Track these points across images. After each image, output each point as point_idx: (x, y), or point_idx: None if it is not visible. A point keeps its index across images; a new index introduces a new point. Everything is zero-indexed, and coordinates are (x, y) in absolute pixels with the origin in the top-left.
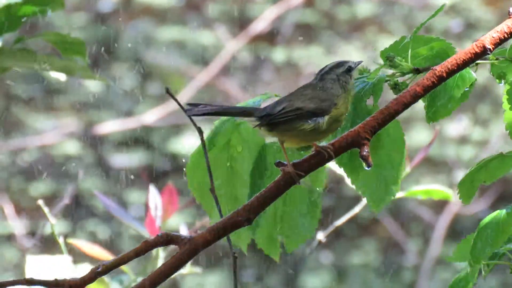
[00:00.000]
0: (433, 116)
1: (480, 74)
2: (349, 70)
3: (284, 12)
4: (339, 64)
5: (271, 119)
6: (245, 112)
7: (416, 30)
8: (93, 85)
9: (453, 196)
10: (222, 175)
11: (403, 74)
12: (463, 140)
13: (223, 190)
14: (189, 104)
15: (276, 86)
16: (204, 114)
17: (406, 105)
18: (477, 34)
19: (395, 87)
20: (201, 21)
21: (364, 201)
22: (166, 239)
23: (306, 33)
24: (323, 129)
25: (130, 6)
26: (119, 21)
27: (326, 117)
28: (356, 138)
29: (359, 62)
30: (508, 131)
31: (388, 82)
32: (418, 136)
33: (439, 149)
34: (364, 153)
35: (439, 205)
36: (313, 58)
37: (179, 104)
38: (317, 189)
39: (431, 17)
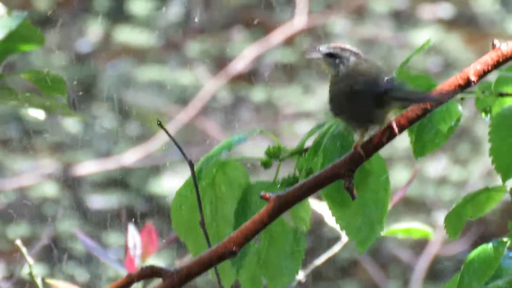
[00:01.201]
0: (420, 151)
1: None
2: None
3: (263, 52)
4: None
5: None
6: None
7: (402, 65)
8: (71, 126)
9: (433, 235)
10: (206, 215)
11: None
12: (442, 180)
13: (208, 230)
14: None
15: (255, 126)
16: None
17: (390, 137)
18: (456, 73)
19: None
20: (181, 60)
21: (343, 241)
22: (151, 271)
23: (285, 72)
24: None
25: (109, 46)
26: (98, 61)
27: None
28: (341, 169)
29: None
30: (494, 165)
31: None
32: (397, 175)
33: (418, 189)
34: (349, 184)
35: (419, 246)
36: (292, 98)
37: (170, 136)
38: (302, 228)
39: (416, 52)
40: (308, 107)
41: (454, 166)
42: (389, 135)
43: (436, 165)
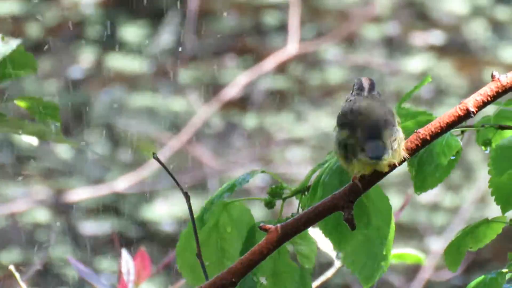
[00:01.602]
0: (421, 185)
1: None
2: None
3: (256, 78)
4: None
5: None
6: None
7: (402, 101)
8: (63, 152)
9: (425, 260)
10: (212, 256)
11: None
12: (434, 206)
13: (214, 271)
14: None
15: (247, 153)
16: None
17: (391, 168)
18: (448, 100)
19: None
20: (173, 87)
21: (336, 266)
22: None
23: (277, 99)
24: None
25: (102, 73)
26: (90, 87)
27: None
28: (340, 201)
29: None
30: (494, 197)
31: None
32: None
33: (411, 215)
34: (348, 215)
35: (411, 271)
36: (284, 124)
37: (165, 168)
38: (307, 267)
39: (417, 87)
40: (300, 133)
41: (447, 192)
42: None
43: (429, 192)
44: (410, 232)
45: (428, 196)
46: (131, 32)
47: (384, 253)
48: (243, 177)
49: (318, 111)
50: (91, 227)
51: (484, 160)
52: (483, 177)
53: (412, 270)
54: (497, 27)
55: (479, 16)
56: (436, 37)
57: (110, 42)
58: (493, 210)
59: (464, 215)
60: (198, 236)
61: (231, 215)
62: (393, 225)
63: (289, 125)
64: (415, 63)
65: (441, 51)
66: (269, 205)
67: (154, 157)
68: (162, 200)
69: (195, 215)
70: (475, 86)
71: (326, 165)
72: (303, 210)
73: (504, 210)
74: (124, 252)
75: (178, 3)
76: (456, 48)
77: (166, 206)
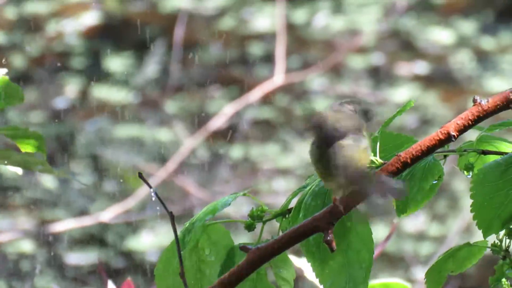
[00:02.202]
0: (403, 209)
1: None
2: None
3: (242, 109)
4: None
5: None
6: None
7: (384, 125)
8: (48, 182)
9: None
10: (190, 278)
11: (371, 168)
12: (420, 235)
13: None
14: None
15: (233, 183)
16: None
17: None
18: (433, 129)
19: None
20: (159, 118)
21: None
22: None
23: (263, 129)
24: None
25: (87, 103)
26: (75, 118)
27: None
28: (320, 222)
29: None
30: (476, 221)
31: None
32: (375, 230)
33: (397, 244)
34: (328, 238)
35: None
36: (270, 155)
37: (150, 186)
38: None
39: (398, 113)
40: (286, 164)
41: (432, 221)
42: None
43: (415, 221)
44: (396, 262)
45: (414, 225)
46: (117, 62)
47: (363, 276)
48: (225, 200)
49: (304, 141)
50: (76, 258)
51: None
52: (468, 206)
53: None
54: (482, 57)
55: (464, 46)
56: (421, 67)
57: (95, 73)
58: (478, 239)
59: (450, 244)
60: (181, 256)
61: (211, 237)
62: (372, 249)
63: (275, 155)
64: (401, 93)
65: (426, 81)
66: (250, 227)
67: (139, 177)
68: (147, 230)
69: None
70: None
71: (308, 187)
72: (283, 233)
73: (485, 234)
74: (110, 283)
75: (164, 33)
76: (442, 78)
77: (151, 236)
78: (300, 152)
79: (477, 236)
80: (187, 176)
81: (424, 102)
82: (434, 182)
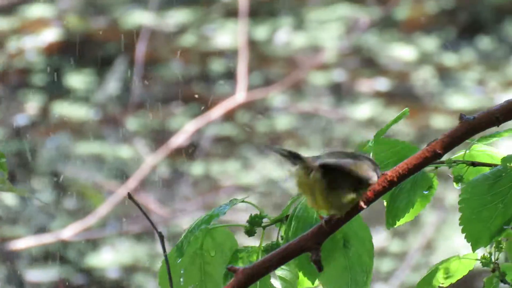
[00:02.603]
0: (392, 221)
1: None
2: None
3: (203, 126)
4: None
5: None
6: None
7: (380, 133)
8: (8, 200)
9: None
10: (195, 279)
11: None
12: (381, 252)
13: None
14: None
15: (195, 201)
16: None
17: (359, 210)
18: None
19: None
20: (120, 135)
21: None
22: None
23: (225, 146)
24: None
25: (47, 120)
26: (36, 135)
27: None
28: (307, 242)
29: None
30: (464, 234)
31: None
32: None
33: None
34: (315, 257)
35: None
36: (230, 172)
37: (139, 207)
38: None
39: (395, 121)
40: (247, 180)
41: (393, 238)
42: (356, 207)
43: (376, 237)
44: None
45: (375, 241)
46: (78, 79)
47: (364, 280)
48: (221, 208)
49: (265, 159)
50: (36, 275)
51: (430, 207)
52: (429, 223)
53: None
54: (444, 73)
55: (426, 62)
56: (383, 83)
57: (56, 89)
58: (439, 256)
59: (411, 261)
60: (171, 274)
61: (215, 239)
62: (372, 254)
63: (236, 172)
64: (362, 110)
65: (388, 97)
66: (249, 233)
67: (129, 197)
68: (108, 248)
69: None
70: (423, 132)
71: (302, 197)
72: (282, 238)
73: (474, 247)
74: None
75: (125, 50)
76: (403, 95)
77: (112, 253)
78: (261, 169)
79: (438, 253)
80: (148, 193)
81: (385, 119)
82: (425, 192)
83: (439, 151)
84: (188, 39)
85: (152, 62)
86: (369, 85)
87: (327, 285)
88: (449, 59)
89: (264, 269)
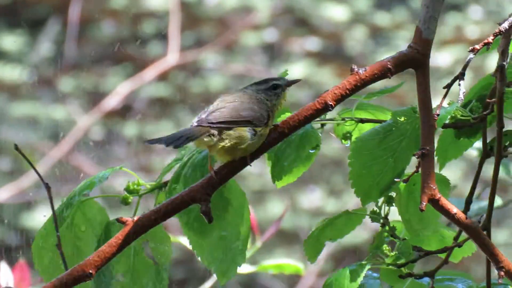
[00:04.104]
0: (278, 175)
1: (331, 147)
2: (274, 87)
3: (137, 87)
4: (266, 81)
5: (209, 121)
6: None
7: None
8: None
9: (307, 267)
10: (68, 254)
11: None
12: (317, 211)
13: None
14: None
15: (129, 162)
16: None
17: (245, 164)
18: None
19: None
20: (54, 96)
21: (213, 278)
22: None
23: (159, 107)
24: (254, 142)
25: None
26: None
27: (261, 130)
28: (197, 194)
29: (292, 81)
30: (354, 189)
31: None
32: (272, 208)
33: (293, 221)
34: (205, 208)
35: (293, 278)
36: (163, 133)
37: (28, 162)
38: (164, 263)
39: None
40: None
41: (329, 197)
42: (244, 162)
43: (311, 197)
44: (292, 238)
45: (310, 201)
46: (10, 40)
47: (240, 248)
48: (102, 175)
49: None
50: None
51: None
52: None
53: (295, 277)
54: (376, 33)
55: (358, 22)
56: (315, 43)
57: None
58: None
59: None
60: (58, 228)
61: (86, 214)
62: (249, 220)
63: (169, 133)
64: (295, 70)
65: (320, 57)
66: (125, 201)
67: (15, 149)
68: (42, 209)
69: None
70: None
71: (186, 159)
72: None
73: (364, 202)
74: (3, 264)
75: (56, 12)
76: (335, 55)
77: (46, 214)
78: None
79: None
80: (82, 155)
81: (318, 79)
82: (312, 151)
83: (330, 103)
84: (119, 1)
85: (84, 23)
86: (301, 44)
87: (202, 255)
88: (382, 19)
89: (153, 220)
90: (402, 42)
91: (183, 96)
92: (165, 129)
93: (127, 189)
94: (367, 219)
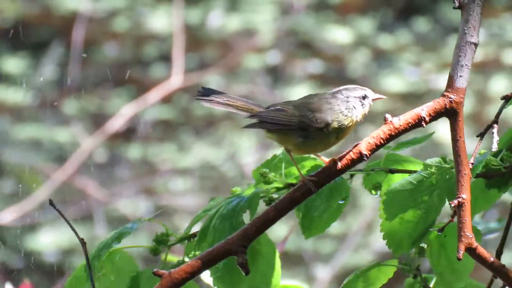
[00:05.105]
0: (308, 227)
1: None
2: (364, 97)
3: (141, 109)
4: (356, 88)
5: (259, 117)
6: (248, 108)
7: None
8: None
9: None
10: None
11: (278, 189)
12: (321, 234)
13: None
14: (202, 88)
15: (132, 184)
16: (210, 102)
17: (284, 211)
18: None
19: (270, 203)
20: (57, 118)
21: None
22: None
23: (163, 129)
24: (312, 143)
25: None
26: None
27: (313, 131)
28: (232, 246)
29: (378, 97)
30: (385, 241)
31: (263, 198)
32: (276, 230)
33: (297, 243)
34: (242, 260)
35: None
36: (167, 155)
37: (62, 215)
38: None
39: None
40: (184, 164)
41: None
42: (278, 215)
43: None
44: (296, 260)
45: None
46: (13, 63)
47: None
48: (130, 226)
49: (202, 141)
50: None
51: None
52: (368, 204)
53: None
54: (379, 55)
55: (362, 45)
56: (317, 66)
57: None
58: (379, 237)
59: (351, 242)
60: (92, 277)
61: (115, 264)
62: (279, 273)
63: (173, 155)
64: (297, 92)
65: (323, 80)
66: (155, 251)
67: (50, 204)
68: (46, 231)
69: None
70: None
71: (214, 210)
72: (187, 256)
73: (395, 253)
74: (8, 285)
75: (60, 34)
76: (338, 77)
77: (50, 236)
78: (198, 152)
79: (378, 234)
80: (86, 177)
81: None
82: (341, 202)
83: (365, 153)
84: (122, 24)
85: (88, 46)
86: (303, 67)
87: None
88: (385, 41)
89: (189, 273)
90: (405, 64)
91: (187, 118)
92: (169, 151)
93: (156, 240)
94: (371, 241)
